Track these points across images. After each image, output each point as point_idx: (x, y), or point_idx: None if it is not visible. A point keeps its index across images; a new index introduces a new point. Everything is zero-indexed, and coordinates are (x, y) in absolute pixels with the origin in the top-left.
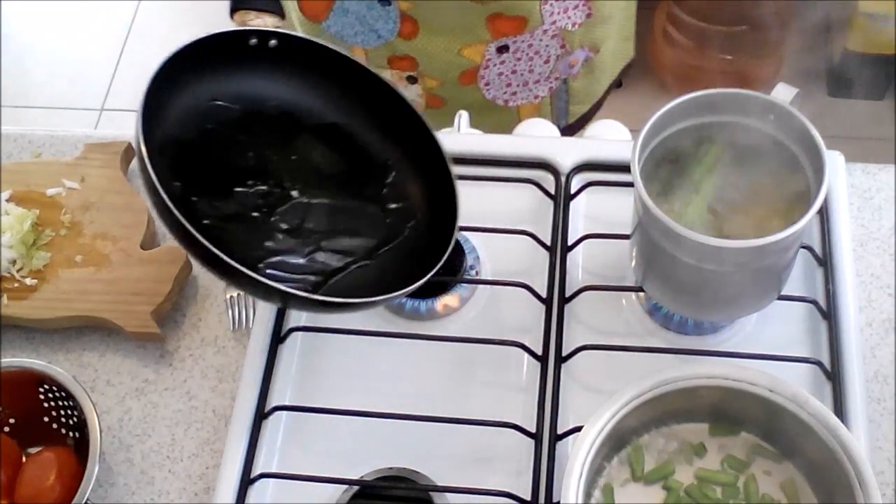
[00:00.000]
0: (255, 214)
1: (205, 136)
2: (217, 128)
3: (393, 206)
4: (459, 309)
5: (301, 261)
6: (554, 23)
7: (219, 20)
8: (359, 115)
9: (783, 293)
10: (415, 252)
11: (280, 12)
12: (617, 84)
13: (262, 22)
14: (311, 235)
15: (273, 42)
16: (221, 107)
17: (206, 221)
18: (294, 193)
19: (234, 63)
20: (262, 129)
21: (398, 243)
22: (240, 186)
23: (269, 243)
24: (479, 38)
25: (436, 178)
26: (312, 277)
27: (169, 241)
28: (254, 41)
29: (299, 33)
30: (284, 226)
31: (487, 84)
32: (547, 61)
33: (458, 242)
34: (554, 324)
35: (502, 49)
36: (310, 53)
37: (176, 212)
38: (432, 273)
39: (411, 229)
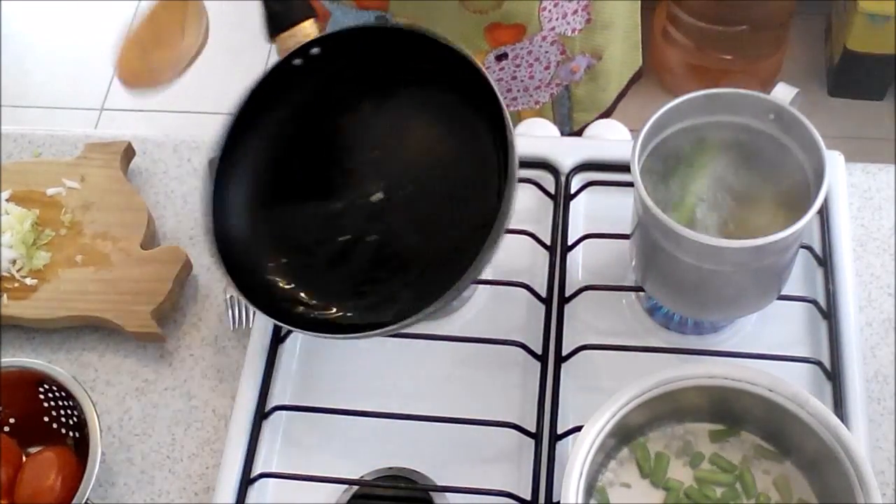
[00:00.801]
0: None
1: (284, 177)
2: (291, 158)
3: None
4: (459, 309)
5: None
6: (553, 29)
7: (220, 20)
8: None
9: (783, 293)
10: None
11: (313, 13)
12: (639, 71)
13: (303, 32)
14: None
15: (315, 50)
16: (288, 136)
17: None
18: (379, 196)
19: (287, 88)
20: (328, 134)
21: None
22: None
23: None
24: (477, 48)
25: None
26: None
27: (169, 240)
28: (298, 62)
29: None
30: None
31: None
32: (547, 67)
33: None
34: (554, 323)
35: (501, 57)
36: (356, 40)
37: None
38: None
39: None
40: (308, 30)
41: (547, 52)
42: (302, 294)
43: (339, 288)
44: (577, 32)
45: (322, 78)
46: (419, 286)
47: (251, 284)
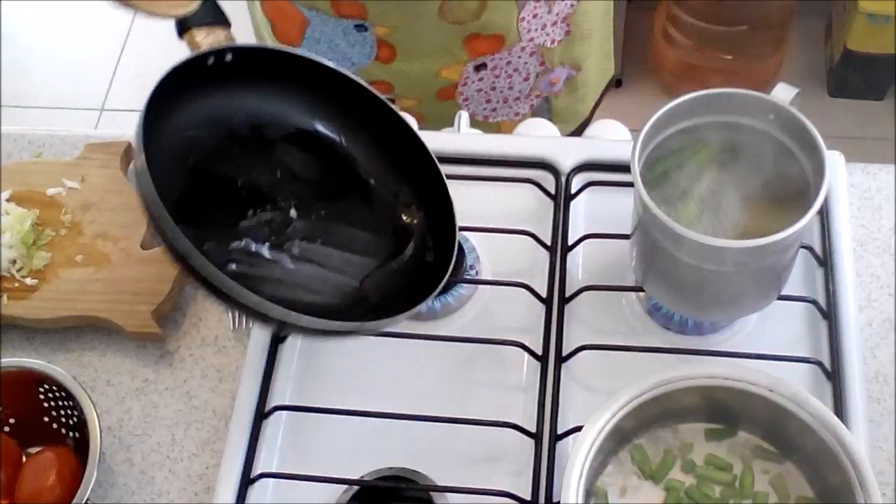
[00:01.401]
0: (266, 245)
1: (192, 173)
2: (199, 161)
3: (390, 218)
4: (459, 309)
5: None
6: (532, 40)
7: None
8: (335, 119)
9: (783, 293)
10: (413, 268)
11: (227, 23)
12: (617, 83)
13: (215, 38)
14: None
15: (229, 56)
16: (195, 137)
17: (232, 267)
18: (292, 213)
19: (199, 87)
20: (240, 149)
21: (401, 260)
22: (243, 220)
23: (280, 273)
24: (457, 58)
25: (427, 183)
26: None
27: None
28: (211, 60)
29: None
30: (296, 250)
31: (466, 100)
32: (526, 79)
33: (458, 242)
34: (554, 324)
35: (480, 67)
36: (270, 60)
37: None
38: (435, 293)
39: (412, 246)
40: (227, 35)
41: (526, 63)
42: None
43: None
44: (556, 44)
45: (235, 86)
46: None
47: None
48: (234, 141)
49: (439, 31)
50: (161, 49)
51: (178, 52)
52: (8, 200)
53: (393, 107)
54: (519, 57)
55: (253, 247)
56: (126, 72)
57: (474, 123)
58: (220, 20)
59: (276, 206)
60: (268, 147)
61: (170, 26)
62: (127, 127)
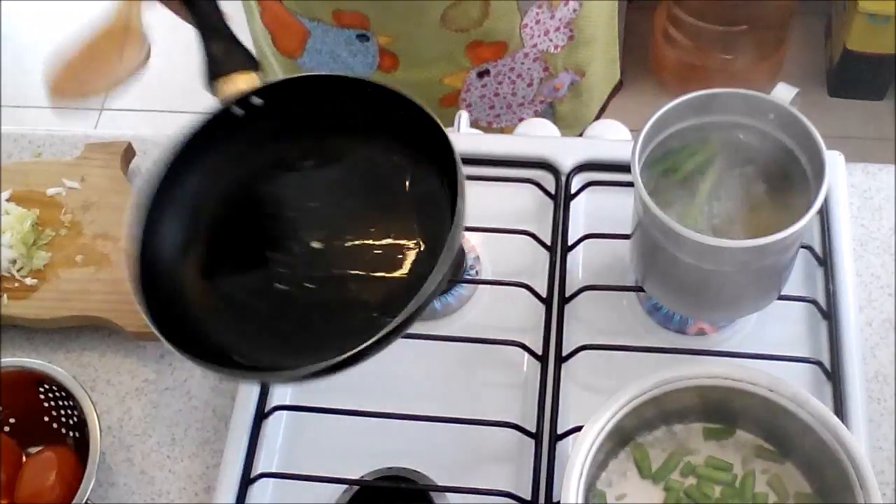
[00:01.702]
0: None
1: (214, 224)
2: (222, 209)
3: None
4: (459, 309)
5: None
6: (535, 45)
7: None
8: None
9: (783, 293)
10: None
11: (255, 65)
12: (618, 85)
13: (243, 81)
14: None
15: (257, 100)
16: (217, 188)
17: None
18: (315, 245)
19: (223, 135)
20: (266, 190)
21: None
22: (270, 259)
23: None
24: (459, 66)
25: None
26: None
27: None
28: (238, 111)
29: (276, 77)
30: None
31: (469, 106)
32: (530, 84)
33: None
34: (554, 324)
35: (483, 73)
36: (295, 89)
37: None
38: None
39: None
40: (251, 79)
41: (529, 68)
42: (232, 342)
43: (272, 336)
44: (559, 49)
45: (264, 127)
46: (345, 333)
47: (177, 328)
48: (259, 183)
49: (442, 38)
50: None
51: (179, 51)
52: (8, 200)
53: (422, 105)
54: (522, 63)
55: (278, 287)
56: None
57: (478, 129)
58: (248, 64)
59: (299, 240)
60: (292, 177)
61: (171, 27)
62: (127, 127)
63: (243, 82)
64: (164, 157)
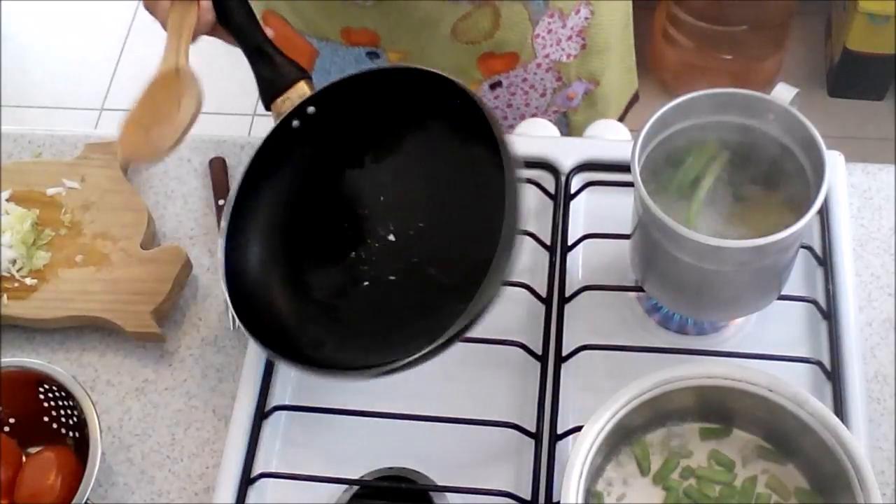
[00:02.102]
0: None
1: (290, 231)
2: (298, 218)
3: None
4: None
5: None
6: (547, 56)
7: None
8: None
9: (783, 293)
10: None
11: (305, 73)
12: (635, 95)
13: (297, 93)
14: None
15: (311, 109)
16: (290, 197)
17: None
18: (391, 238)
19: (287, 147)
20: (335, 191)
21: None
22: (347, 259)
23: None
24: (472, 78)
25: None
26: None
27: (169, 240)
28: (296, 123)
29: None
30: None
31: None
32: (543, 94)
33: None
34: (554, 324)
35: (495, 85)
36: (344, 90)
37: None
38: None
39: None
40: (302, 90)
41: (542, 79)
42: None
43: (361, 334)
44: (572, 58)
45: (322, 132)
46: (431, 322)
47: (268, 331)
48: (330, 186)
49: (453, 52)
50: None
51: None
52: (8, 200)
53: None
54: (535, 73)
55: (363, 285)
56: (126, 72)
57: None
58: (297, 74)
59: (375, 235)
60: (357, 174)
61: None
62: None
63: (297, 95)
64: (238, 181)
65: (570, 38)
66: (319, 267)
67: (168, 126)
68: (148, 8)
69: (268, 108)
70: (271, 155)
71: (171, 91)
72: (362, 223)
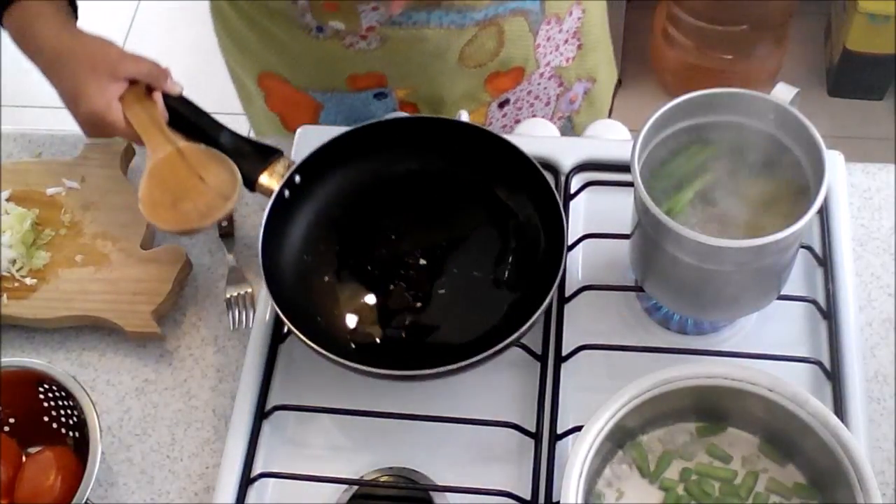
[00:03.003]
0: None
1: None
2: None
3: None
4: None
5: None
6: (548, 63)
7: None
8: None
9: (783, 293)
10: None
11: (274, 152)
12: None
13: (274, 172)
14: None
15: (297, 179)
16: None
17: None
18: (422, 262)
19: (288, 212)
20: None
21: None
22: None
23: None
24: (480, 101)
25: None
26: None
27: (169, 240)
28: (287, 193)
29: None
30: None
31: None
32: (548, 103)
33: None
34: (553, 323)
35: (503, 104)
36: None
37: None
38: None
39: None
40: (277, 168)
41: (546, 87)
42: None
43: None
44: (570, 61)
45: (312, 195)
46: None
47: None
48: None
49: (462, 78)
50: (161, 49)
51: (179, 51)
52: (8, 200)
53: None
54: (538, 84)
55: (417, 306)
56: None
57: None
58: (270, 155)
59: (406, 266)
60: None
61: (170, 27)
62: None
63: (279, 172)
64: (260, 258)
65: (566, 41)
66: (372, 310)
67: (199, 198)
68: (94, 132)
69: (252, 191)
70: (276, 224)
71: (178, 170)
72: (391, 260)
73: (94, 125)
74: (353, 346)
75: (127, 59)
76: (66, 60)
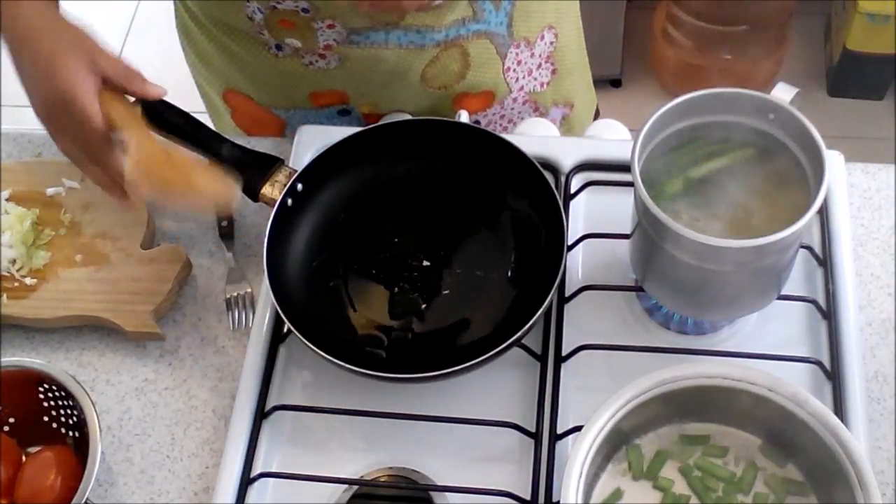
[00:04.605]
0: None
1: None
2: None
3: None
4: None
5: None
6: (521, 88)
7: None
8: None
9: (783, 293)
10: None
11: (274, 160)
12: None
13: (276, 180)
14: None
15: (300, 187)
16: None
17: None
18: (426, 263)
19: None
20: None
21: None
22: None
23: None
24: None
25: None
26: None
27: (169, 240)
28: (290, 202)
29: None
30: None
31: None
32: None
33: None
34: (553, 323)
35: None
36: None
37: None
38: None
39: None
40: (278, 177)
41: (520, 112)
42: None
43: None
44: (545, 86)
45: (313, 201)
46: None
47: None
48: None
49: (426, 97)
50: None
51: (179, 52)
52: (8, 200)
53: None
54: (512, 108)
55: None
56: None
57: None
58: (271, 165)
59: (410, 267)
60: (382, 214)
61: (170, 27)
62: None
63: (280, 181)
64: (266, 266)
65: (539, 66)
66: (379, 311)
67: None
68: (53, 121)
69: (255, 200)
70: (280, 233)
71: (166, 171)
72: (394, 261)
73: (57, 109)
74: (361, 351)
75: (104, 54)
76: (45, 35)
